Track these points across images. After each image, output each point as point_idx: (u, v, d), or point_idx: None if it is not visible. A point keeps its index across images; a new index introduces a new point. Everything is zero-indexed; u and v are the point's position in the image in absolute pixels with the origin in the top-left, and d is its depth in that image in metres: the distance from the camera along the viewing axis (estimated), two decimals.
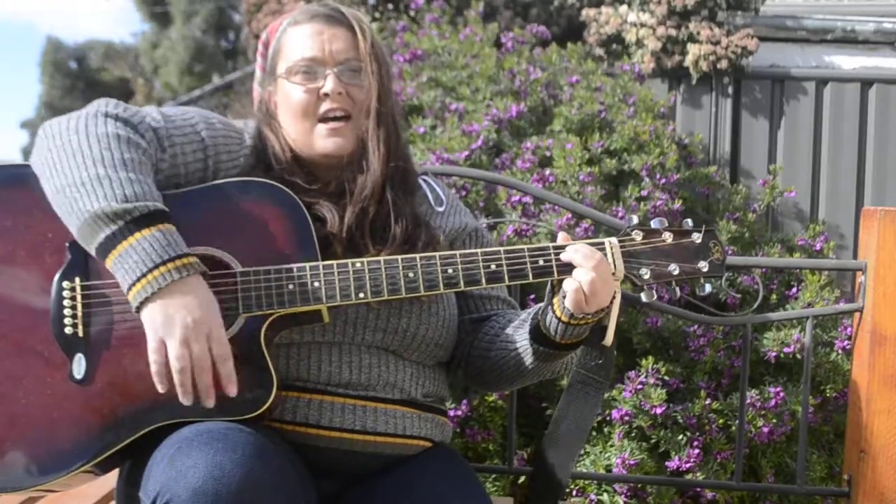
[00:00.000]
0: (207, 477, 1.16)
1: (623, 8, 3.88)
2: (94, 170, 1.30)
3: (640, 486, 2.43)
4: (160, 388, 1.28)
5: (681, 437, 2.40)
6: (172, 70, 17.17)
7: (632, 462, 2.31)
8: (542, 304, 1.46)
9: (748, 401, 2.39)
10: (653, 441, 2.40)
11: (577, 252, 1.38)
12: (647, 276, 1.43)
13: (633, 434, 2.41)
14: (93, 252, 1.30)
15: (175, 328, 1.26)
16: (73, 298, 1.33)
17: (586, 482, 2.46)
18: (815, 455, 2.59)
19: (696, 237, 1.45)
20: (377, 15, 4.67)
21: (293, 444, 1.39)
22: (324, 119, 1.51)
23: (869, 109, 3.76)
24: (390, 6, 4.69)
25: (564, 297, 1.38)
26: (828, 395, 2.57)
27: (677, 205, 2.83)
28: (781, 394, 2.46)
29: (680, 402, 2.45)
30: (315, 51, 1.50)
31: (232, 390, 1.29)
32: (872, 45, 3.92)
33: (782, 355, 2.55)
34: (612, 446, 2.40)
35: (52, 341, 1.33)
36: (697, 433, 2.43)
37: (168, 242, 1.28)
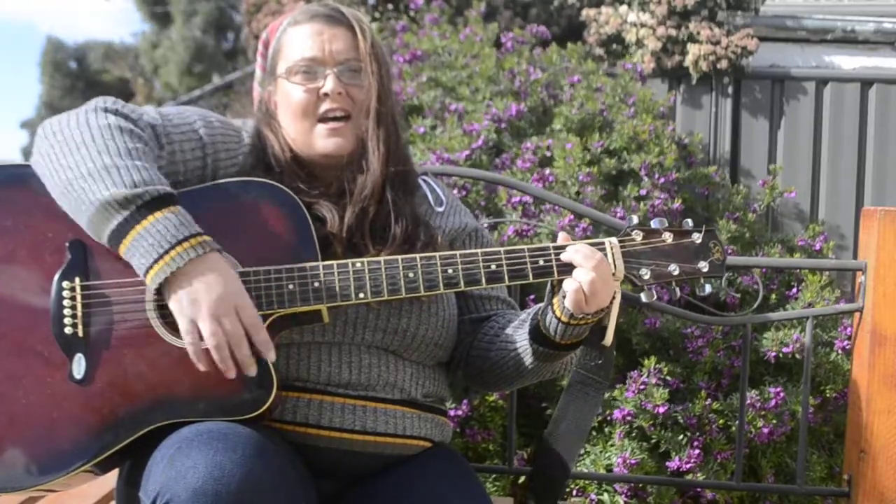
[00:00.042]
0: (207, 477, 1.16)
1: (623, 8, 3.88)
2: (99, 160, 1.31)
3: (640, 485, 2.43)
4: (201, 368, 1.29)
5: (681, 437, 2.40)
6: (172, 70, 17.17)
7: (633, 461, 2.31)
8: (541, 305, 1.46)
9: (748, 401, 2.39)
10: (653, 441, 2.40)
11: (577, 252, 1.38)
12: (647, 277, 1.43)
13: (633, 434, 2.41)
14: (105, 241, 1.30)
15: (202, 307, 1.27)
16: (72, 298, 1.33)
17: (586, 482, 2.46)
18: (815, 455, 2.58)
19: (697, 237, 1.45)
20: (377, 15, 4.66)
21: (293, 444, 1.39)
22: (324, 119, 1.51)
23: (869, 109, 3.76)
24: (390, 6, 4.68)
25: (564, 297, 1.38)
26: (828, 395, 2.57)
27: (677, 204, 2.83)
28: (781, 394, 2.46)
29: (680, 402, 2.45)
30: (315, 51, 1.51)
31: (271, 356, 1.31)
32: (872, 45, 3.92)
33: (781, 355, 2.55)
34: (612, 446, 2.40)
35: (52, 341, 1.33)
36: (698, 433, 2.43)
37: (181, 223, 1.29)
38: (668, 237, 1.44)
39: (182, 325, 1.29)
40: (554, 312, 1.41)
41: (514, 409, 2.18)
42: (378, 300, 1.39)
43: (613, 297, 1.41)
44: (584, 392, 1.67)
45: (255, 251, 1.38)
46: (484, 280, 1.40)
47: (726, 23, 3.77)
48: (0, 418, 1.32)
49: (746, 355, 2.15)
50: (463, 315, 1.60)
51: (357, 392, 1.43)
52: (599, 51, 3.93)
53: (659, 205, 2.80)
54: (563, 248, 1.40)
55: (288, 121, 1.53)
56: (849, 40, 3.91)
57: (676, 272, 1.43)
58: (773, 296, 2.85)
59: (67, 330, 1.33)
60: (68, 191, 1.31)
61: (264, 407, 1.31)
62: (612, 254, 1.42)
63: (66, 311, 1.33)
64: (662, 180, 2.89)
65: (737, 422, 2.25)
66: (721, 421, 2.45)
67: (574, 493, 2.48)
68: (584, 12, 4.03)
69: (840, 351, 2.57)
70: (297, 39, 1.53)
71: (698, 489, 2.49)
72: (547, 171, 2.75)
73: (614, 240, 1.43)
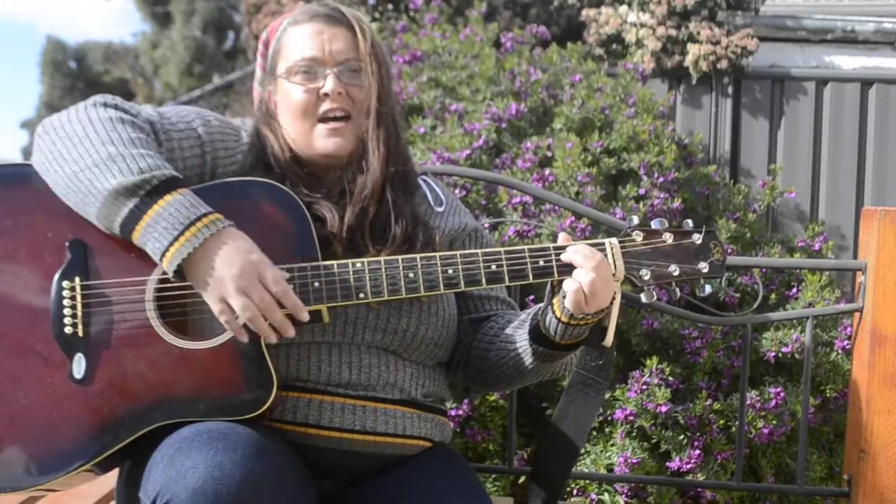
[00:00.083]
0: (207, 477, 1.16)
1: (623, 8, 3.88)
2: (103, 150, 1.31)
3: (640, 485, 2.43)
4: (244, 340, 1.31)
5: (681, 437, 2.40)
6: (172, 70, 17.18)
7: (634, 461, 2.31)
8: (541, 305, 1.46)
9: (748, 401, 2.39)
10: (653, 441, 2.40)
11: (577, 253, 1.38)
12: (647, 277, 1.43)
13: (634, 434, 2.41)
14: (117, 230, 1.31)
15: (227, 284, 1.28)
16: (72, 298, 1.33)
17: (587, 482, 2.46)
18: (815, 455, 2.59)
19: (697, 238, 1.45)
20: (377, 15, 4.67)
21: (293, 444, 1.39)
22: (323, 119, 1.51)
23: (869, 109, 3.76)
24: (390, 6, 4.69)
25: (564, 297, 1.38)
26: (828, 395, 2.57)
27: (676, 203, 2.83)
28: (782, 394, 2.46)
29: (680, 402, 2.45)
30: (315, 51, 1.50)
31: (304, 316, 1.32)
32: (872, 45, 3.92)
33: (781, 355, 2.55)
34: (613, 446, 2.40)
35: (52, 341, 1.33)
36: (698, 433, 2.43)
37: (192, 203, 1.30)
38: (668, 238, 1.44)
39: (213, 306, 1.31)
40: (554, 313, 1.41)
41: (514, 409, 2.18)
42: (378, 300, 1.39)
43: (613, 298, 1.41)
44: (584, 392, 1.68)
45: None
46: (484, 280, 1.40)
47: (726, 23, 3.77)
48: (0, 418, 1.32)
49: (746, 355, 2.15)
50: (462, 315, 1.60)
51: (357, 392, 1.43)
52: (599, 51, 3.93)
53: (658, 204, 2.80)
54: (563, 248, 1.40)
55: (288, 121, 1.53)
56: (849, 40, 3.91)
57: (676, 273, 1.43)
58: (773, 296, 2.85)
59: (67, 330, 1.33)
60: (74, 184, 1.31)
61: (264, 407, 1.31)
62: (613, 254, 1.41)
63: (66, 311, 1.33)
64: (662, 180, 2.89)
65: (737, 422, 2.25)
66: (721, 421, 2.45)
67: (574, 492, 2.48)
68: (584, 12, 4.03)
69: (840, 351, 2.58)
70: (297, 39, 1.53)
71: (698, 489, 2.49)
72: (546, 171, 2.75)
73: (614, 240, 1.43)
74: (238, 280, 1.29)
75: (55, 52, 20.84)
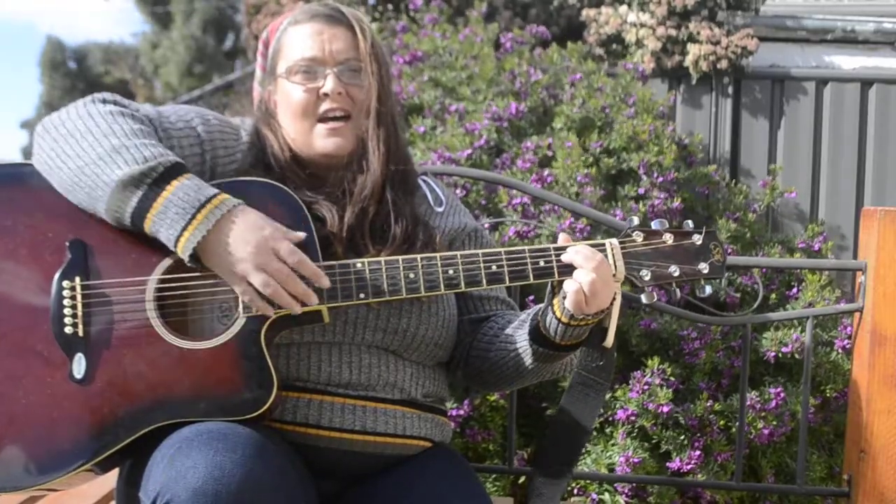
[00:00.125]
0: (207, 477, 1.16)
1: (623, 8, 3.88)
2: (107, 142, 1.32)
3: (641, 485, 2.43)
4: (270, 314, 1.32)
5: (682, 437, 2.40)
6: (173, 70, 17.18)
7: (636, 461, 2.31)
8: (541, 305, 1.46)
9: (748, 402, 2.39)
10: (654, 441, 2.40)
11: (577, 253, 1.38)
12: (647, 278, 1.43)
13: (634, 434, 2.41)
14: (127, 220, 1.31)
15: (243, 263, 1.30)
16: (73, 298, 1.33)
17: (587, 481, 2.46)
18: (815, 455, 2.59)
19: (697, 239, 1.45)
20: (377, 15, 4.66)
21: (293, 444, 1.39)
22: (323, 119, 1.51)
23: (869, 109, 3.76)
24: (390, 6, 4.68)
25: (565, 298, 1.38)
26: (828, 395, 2.57)
27: (676, 203, 2.83)
28: (782, 394, 2.46)
29: (680, 402, 2.46)
30: (315, 50, 1.50)
31: (325, 283, 1.34)
32: (872, 45, 3.92)
33: (781, 355, 2.55)
34: (614, 445, 2.40)
35: (52, 341, 1.33)
36: (698, 434, 2.43)
37: (199, 187, 1.31)
38: (668, 238, 1.44)
39: (236, 288, 1.32)
40: (554, 313, 1.41)
41: (514, 409, 2.18)
42: (378, 300, 1.39)
43: (614, 299, 1.41)
44: (585, 393, 1.67)
45: None
46: (485, 281, 1.40)
47: (726, 23, 3.77)
48: (0, 418, 1.32)
49: (746, 355, 2.15)
50: (462, 315, 1.60)
51: (357, 392, 1.43)
52: (599, 51, 3.93)
53: (658, 205, 2.80)
54: (563, 249, 1.40)
55: (288, 120, 1.53)
56: (849, 40, 3.91)
57: (677, 273, 1.43)
58: (773, 296, 2.85)
59: (68, 329, 1.33)
60: (80, 179, 1.32)
61: (265, 407, 1.31)
62: (613, 255, 1.41)
63: (67, 311, 1.33)
64: (661, 180, 2.89)
65: (737, 423, 2.25)
66: (722, 422, 2.45)
67: (575, 492, 2.48)
68: (584, 12, 4.03)
69: (840, 350, 2.58)
70: (297, 39, 1.53)
71: (698, 489, 2.49)
72: (545, 171, 2.75)
73: (615, 241, 1.43)
74: (255, 258, 1.30)
75: (54, 52, 20.85)
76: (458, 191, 2.64)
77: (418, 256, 1.40)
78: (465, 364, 1.60)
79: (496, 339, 1.55)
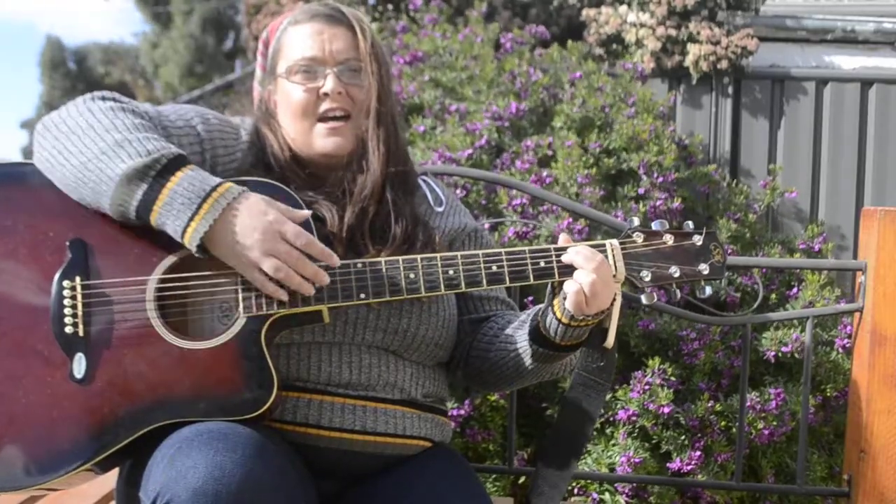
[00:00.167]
0: (207, 477, 1.16)
1: (623, 8, 3.88)
2: (109, 137, 1.32)
3: (641, 485, 2.43)
4: (283, 298, 1.32)
5: (682, 437, 2.40)
6: (173, 70, 17.18)
7: (636, 460, 2.31)
8: (542, 306, 1.46)
9: (748, 403, 2.39)
10: (654, 441, 2.40)
11: (578, 254, 1.38)
12: (647, 279, 1.43)
13: (635, 434, 2.42)
14: (133, 214, 1.31)
15: (252, 251, 1.30)
16: (73, 297, 1.33)
17: (588, 481, 2.47)
18: (815, 455, 2.59)
19: (697, 240, 1.45)
20: (377, 15, 4.66)
21: (293, 444, 1.39)
22: (323, 118, 1.51)
23: (869, 109, 3.76)
24: (390, 6, 4.68)
25: (565, 298, 1.38)
26: (828, 394, 2.57)
27: (676, 203, 2.83)
28: (782, 395, 2.46)
29: (680, 402, 2.46)
30: (315, 50, 1.50)
31: (335, 261, 1.34)
32: (872, 45, 3.92)
33: (781, 354, 2.55)
34: (615, 445, 2.40)
35: (53, 340, 1.33)
36: (699, 435, 2.43)
37: (203, 177, 1.31)
38: (668, 239, 1.44)
39: (248, 276, 1.32)
40: (554, 314, 1.41)
41: (514, 409, 2.18)
42: (379, 301, 1.39)
43: (614, 299, 1.41)
44: (585, 394, 1.67)
45: None
46: (485, 281, 1.40)
47: (726, 23, 3.77)
48: (0, 418, 1.32)
49: (746, 355, 2.15)
50: (462, 315, 1.60)
51: (357, 392, 1.43)
52: (599, 51, 3.93)
53: (659, 205, 2.80)
54: (563, 249, 1.40)
55: (288, 120, 1.53)
56: (849, 40, 3.91)
57: (677, 274, 1.43)
58: (773, 296, 2.85)
59: (68, 329, 1.33)
60: (84, 175, 1.31)
61: (265, 407, 1.31)
62: (613, 255, 1.41)
63: (67, 311, 1.33)
64: (661, 180, 2.89)
65: (738, 424, 2.25)
66: (723, 423, 2.45)
67: (576, 491, 2.48)
68: (584, 12, 4.03)
69: (840, 349, 2.58)
70: (297, 39, 1.53)
71: (698, 490, 2.49)
72: (545, 173, 2.75)
73: (615, 241, 1.43)
74: (263, 244, 1.30)
75: (54, 52, 20.85)
76: (458, 191, 2.64)
77: (418, 257, 1.40)
78: (465, 364, 1.60)
79: (496, 339, 1.55)
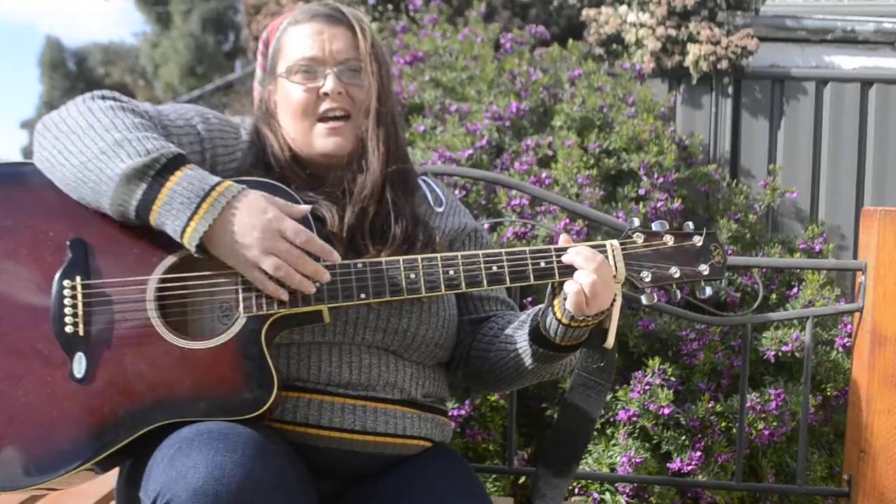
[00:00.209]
0: (208, 477, 1.16)
1: (623, 8, 3.88)
2: (109, 136, 1.32)
3: (641, 486, 2.43)
4: (284, 297, 1.32)
5: (683, 438, 2.40)
6: (173, 70, 17.18)
7: (637, 461, 2.31)
8: (542, 306, 1.46)
9: (749, 403, 2.39)
10: (655, 442, 2.40)
11: (578, 254, 1.38)
12: (647, 279, 1.43)
13: (636, 434, 2.42)
14: (132, 214, 1.31)
15: (251, 250, 1.30)
16: (73, 297, 1.33)
17: (589, 481, 2.47)
18: (815, 455, 2.59)
19: (697, 240, 1.45)
20: (377, 15, 4.66)
21: (293, 444, 1.39)
22: (323, 118, 1.51)
23: (869, 109, 3.76)
24: (390, 6, 4.68)
25: (565, 299, 1.38)
26: (828, 393, 2.57)
27: (676, 204, 2.83)
28: (782, 395, 2.46)
29: (680, 403, 2.46)
30: (315, 50, 1.50)
31: (335, 258, 1.34)
32: (872, 45, 3.92)
33: (781, 354, 2.55)
34: (615, 445, 2.40)
35: (53, 340, 1.33)
36: (699, 435, 2.43)
37: (202, 177, 1.31)
38: (669, 240, 1.44)
39: (248, 275, 1.32)
40: (554, 314, 1.41)
41: (514, 409, 2.18)
42: (379, 301, 1.39)
43: (614, 300, 1.41)
44: (586, 395, 1.67)
45: None
46: (485, 281, 1.40)
47: (726, 23, 3.77)
48: (0, 417, 1.32)
49: (746, 355, 2.15)
50: (462, 316, 1.60)
51: (357, 392, 1.43)
52: (599, 50, 3.93)
53: (660, 206, 2.80)
54: (564, 250, 1.40)
55: (288, 120, 1.53)
56: (849, 40, 3.91)
57: (677, 275, 1.43)
58: (774, 296, 2.85)
59: (68, 329, 1.33)
60: (84, 175, 1.31)
61: (265, 407, 1.31)
62: (614, 256, 1.42)
63: (67, 310, 1.33)
64: (661, 180, 2.89)
65: (738, 424, 2.25)
66: (723, 423, 2.45)
67: (576, 491, 2.48)
68: (584, 12, 4.03)
69: (840, 349, 2.58)
70: (297, 39, 1.53)
71: (698, 490, 2.49)
72: (544, 173, 2.75)
73: (615, 242, 1.43)
74: (262, 242, 1.30)
75: (54, 52, 20.85)
76: (457, 191, 2.64)
77: (419, 257, 1.40)
78: (465, 364, 1.60)
79: (496, 339, 1.55)
